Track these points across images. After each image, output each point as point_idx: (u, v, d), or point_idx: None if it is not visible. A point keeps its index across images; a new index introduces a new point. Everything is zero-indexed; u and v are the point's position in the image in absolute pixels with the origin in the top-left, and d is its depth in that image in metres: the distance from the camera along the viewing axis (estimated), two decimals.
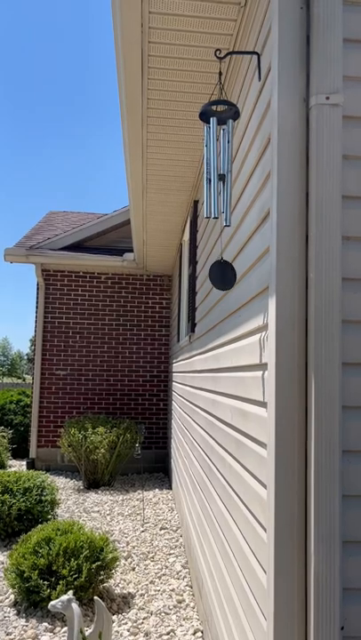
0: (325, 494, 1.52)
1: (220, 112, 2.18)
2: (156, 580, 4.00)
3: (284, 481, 1.58)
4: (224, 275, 2.31)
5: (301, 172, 1.70)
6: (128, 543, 4.80)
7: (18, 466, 8.54)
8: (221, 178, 2.13)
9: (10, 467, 8.38)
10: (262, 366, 1.89)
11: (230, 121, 2.18)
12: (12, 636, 3.14)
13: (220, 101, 2.15)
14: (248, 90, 2.37)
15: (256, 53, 2.15)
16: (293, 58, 1.75)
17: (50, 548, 3.57)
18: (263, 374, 1.86)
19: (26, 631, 3.20)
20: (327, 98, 1.67)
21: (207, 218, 2.15)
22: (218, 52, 2.26)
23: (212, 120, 2.14)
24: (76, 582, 3.40)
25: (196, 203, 4.87)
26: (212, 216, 2.12)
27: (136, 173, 4.63)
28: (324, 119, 1.67)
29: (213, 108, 2.18)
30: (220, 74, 2.38)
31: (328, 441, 1.55)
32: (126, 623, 3.32)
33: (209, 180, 2.13)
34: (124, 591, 3.80)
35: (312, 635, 1.49)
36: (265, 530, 1.73)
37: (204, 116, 2.18)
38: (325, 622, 1.49)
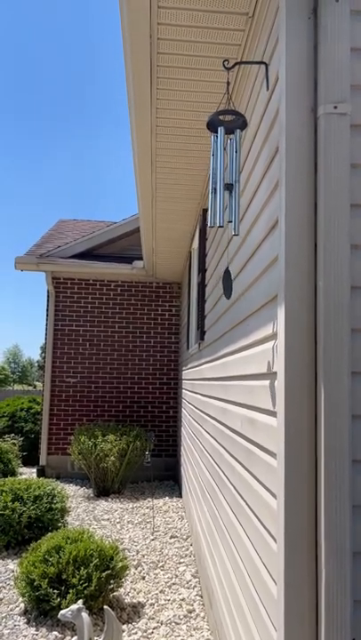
0: (335, 504, 1.51)
1: (228, 122, 2.19)
2: (167, 589, 3.98)
3: (294, 491, 1.58)
4: (227, 283, 2.33)
5: (310, 181, 1.70)
6: (138, 552, 4.79)
7: (28, 473, 8.56)
8: (228, 187, 2.14)
9: (20, 474, 8.40)
10: (272, 375, 1.88)
11: (238, 130, 2.18)
12: None
13: (227, 111, 2.16)
14: (256, 99, 2.38)
15: (264, 63, 2.16)
16: (301, 67, 1.76)
17: (60, 557, 3.56)
18: (273, 383, 1.86)
19: None
20: (335, 107, 1.67)
21: (211, 227, 2.17)
22: (226, 63, 2.27)
23: (220, 130, 2.15)
24: (85, 591, 3.40)
25: (204, 211, 4.88)
26: (217, 225, 2.12)
27: (145, 182, 4.66)
28: (331, 128, 1.67)
29: (221, 117, 2.19)
30: (228, 84, 2.39)
31: (338, 450, 1.54)
32: (136, 633, 3.30)
33: (214, 190, 2.14)
34: (134, 600, 3.78)
35: None
36: (275, 540, 1.72)
37: (212, 125, 2.19)
38: (336, 634, 1.47)
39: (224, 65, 2.29)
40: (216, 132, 2.17)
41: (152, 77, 3.10)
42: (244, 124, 2.19)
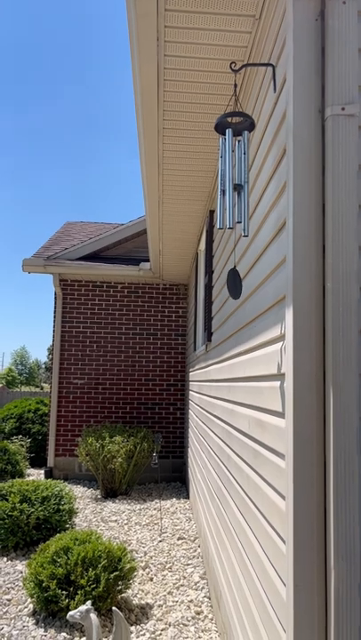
0: (345, 505, 1.51)
1: (236, 124, 2.20)
2: (174, 590, 3.98)
3: (303, 492, 1.58)
4: (235, 283, 2.32)
5: (317, 182, 1.71)
6: (146, 553, 4.79)
7: (36, 475, 8.59)
8: (237, 189, 2.15)
9: (28, 475, 8.43)
10: (280, 376, 1.89)
11: (246, 132, 2.19)
12: None
13: (235, 113, 2.17)
14: (263, 101, 2.39)
15: (271, 65, 2.17)
16: (309, 69, 1.77)
17: (68, 558, 3.58)
18: (281, 384, 1.86)
19: None
20: (343, 108, 1.68)
21: (220, 229, 2.17)
22: (233, 65, 2.28)
23: (228, 132, 2.16)
24: (94, 592, 3.41)
25: (211, 213, 4.89)
26: (226, 227, 2.13)
27: (152, 184, 4.67)
28: (339, 130, 1.67)
29: (229, 119, 2.20)
30: (236, 86, 2.40)
31: (347, 452, 1.53)
32: (144, 634, 3.30)
33: (223, 192, 2.15)
34: (142, 602, 3.78)
35: None
36: (284, 542, 1.72)
37: (220, 127, 2.20)
38: (346, 636, 1.47)
39: (231, 67, 2.29)
40: (224, 134, 2.18)
41: (159, 80, 3.11)
42: (251, 126, 2.20)
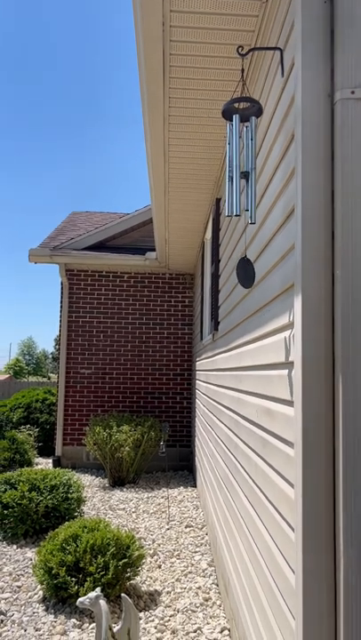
0: (354, 493, 1.51)
1: (243, 109, 2.17)
2: (183, 577, 4.01)
3: (312, 479, 1.57)
4: (247, 272, 2.31)
5: (326, 168, 1.68)
6: (154, 541, 4.82)
7: (44, 464, 8.65)
8: (244, 175, 2.12)
9: (36, 464, 8.50)
10: (288, 364, 1.88)
11: (253, 118, 2.16)
12: (40, 632, 3.19)
13: (242, 98, 2.14)
14: (271, 86, 2.35)
15: (279, 49, 2.13)
16: (317, 52, 1.73)
17: (77, 545, 3.61)
18: (290, 373, 1.85)
19: (54, 627, 3.24)
20: (352, 92, 1.65)
21: (228, 216, 2.14)
22: (240, 49, 2.24)
23: (235, 117, 2.13)
24: (103, 579, 3.44)
25: (218, 201, 4.86)
26: (234, 214, 2.11)
27: (158, 172, 4.64)
28: (349, 114, 1.65)
29: (236, 105, 2.17)
30: (243, 71, 2.36)
31: (356, 440, 1.53)
32: (153, 620, 3.33)
33: (231, 178, 2.12)
34: (151, 588, 3.82)
35: (342, 634, 1.47)
36: (293, 529, 1.72)
37: (227, 113, 2.17)
38: (356, 622, 1.47)
39: (238, 52, 2.26)
40: (231, 120, 2.15)
41: (165, 66, 3.08)
42: (259, 112, 2.17)
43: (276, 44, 2.23)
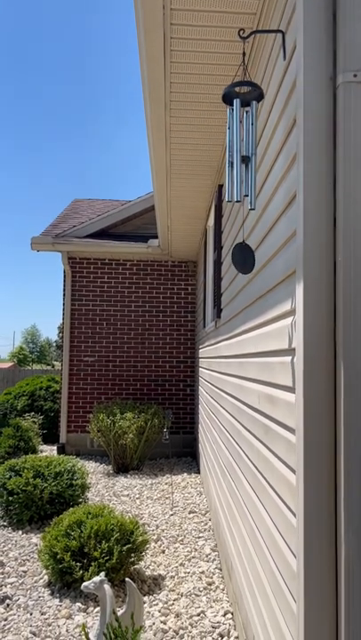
0: (355, 480, 1.51)
1: (244, 94, 2.14)
2: (186, 562, 4.06)
3: (314, 466, 1.58)
4: (245, 258, 2.29)
5: (329, 153, 1.66)
6: (158, 526, 4.87)
7: (48, 451, 8.72)
8: (245, 161, 2.10)
9: (41, 452, 8.56)
10: (290, 351, 1.87)
11: (254, 102, 2.14)
12: (46, 616, 3.24)
13: (243, 82, 2.11)
14: (273, 70, 2.32)
15: (281, 32, 2.10)
16: (320, 35, 1.71)
17: (81, 531, 3.64)
18: (291, 359, 1.85)
19: (60, 611, 3.29)
20: (355, 75, 1.62)
21: (229, 202, 2.13)
22: (241, 32, 2.21)
23: (236, 102, 2.11)
24: (107, 564, 3.48)
25: (220, 187, 4.82)
26: (235, 200, 2.09)
27: (160, 158, 4.61)
28: (351, 97, 1.62)
29: (237, 89, 2.14)
30: (244, 54, 2.33)
31: (357, 426, 1.53)
32: (157, 604, 3.38)
33: (231, 164, 2.10)
34: (155, 573, 3.86)
35: (343, 618, 1.49)
36: (294, 515, 1.73)
37: (227, 97, 2.15)
38: (357, 605, 1.49)
39: (239, 35, 2.22)
40: (232, 105, 2.13)
41: (165, 50, 3.04)
42: (260, 96, 2.14)
43: (278, 27, 2.20)
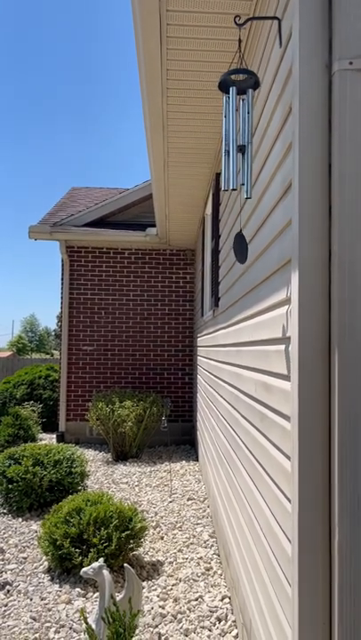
0: (348, 465, 1.53)
1: (240, 81, 2.13)
2: (184, 548, 4.11)
3: (308, 452, 1.60)
4: (242, 247, 2.30)
5: (324, 141, 1.66)
6: (156, 513, 4.92)
7: (48, 439, 8.77)
8: (241, 149, 2.10)
9: (40, 440, 8.60)
10: (285, 340, 1.89)
11: (250, 90, 2.13)
12: (46, 601, 3.28)
13: (239, 70, 2.11)
14: (269, 57, 2.31)
15: (277, 18, 2.09)
16: (315, 22, 1.70)
17: (80, 518, 3.68)
18: (286, 348, 1.86)
19: (60, 596, 3.33)
20: (350, 63, 1.62)
21: (225, 190, 2.13)
22: (237, 19, 2.20)
23: (232, 90, 2.10)
24: (106, 550, 3.52)
25: (217, 175, 4.81)
26: (230, 188, 2.09)
27: (157, 146, 4.59)
28: (347, 85, 1.62)
29: (233, 77, 2.13)
30: (240, 42, 2.32)
31: (352, 413, 1.55)
32: (156, 589, 3.42)
33: (227, 152, 2.10)
34: (153, 559, 3.91)
35: (336, 600, 1.52)
36: (289, 501, 1.76)
37: (223, 85, 2.14)
38: (348, 589, 1.51)
39: (235, 21, 2.21)
40: (228, 93, 2.12)
41: (162, 37, 3.01)
42: (256, 84, 2.13)
43: (275, 14, 2.18)
